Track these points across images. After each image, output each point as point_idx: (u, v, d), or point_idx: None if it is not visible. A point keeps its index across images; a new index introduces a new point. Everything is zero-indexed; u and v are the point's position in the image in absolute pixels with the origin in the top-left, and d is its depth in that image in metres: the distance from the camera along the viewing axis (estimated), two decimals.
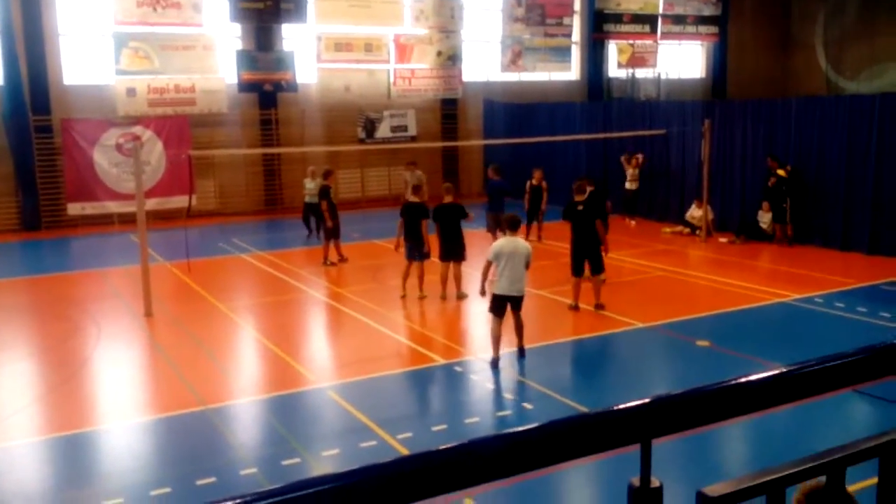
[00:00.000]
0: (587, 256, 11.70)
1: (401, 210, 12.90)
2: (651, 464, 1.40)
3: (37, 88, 20.37)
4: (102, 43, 21.14)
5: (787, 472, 1.52)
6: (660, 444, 1.47)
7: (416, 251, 12.53)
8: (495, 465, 1.31)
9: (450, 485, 1.27)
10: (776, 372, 1.53)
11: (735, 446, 7.46)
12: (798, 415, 7.39)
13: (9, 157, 20.30)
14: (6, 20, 19.80)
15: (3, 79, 19.97)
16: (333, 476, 1.23)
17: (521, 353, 9.65)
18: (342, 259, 15.58)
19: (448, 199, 12.66)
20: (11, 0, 19.85)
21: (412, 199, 13.02)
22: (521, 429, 1.32)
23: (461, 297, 12.70)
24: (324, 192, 15.35)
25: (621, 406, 1.37)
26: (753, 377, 1.48)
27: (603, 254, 11.86)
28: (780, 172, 16.35)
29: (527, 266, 9.38)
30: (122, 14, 20.81)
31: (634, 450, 1.45)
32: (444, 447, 1.30)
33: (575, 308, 11.71)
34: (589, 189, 13.44)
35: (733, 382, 1.49)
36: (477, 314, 12.76)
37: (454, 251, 12.57)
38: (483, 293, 9.94)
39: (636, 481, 1.42)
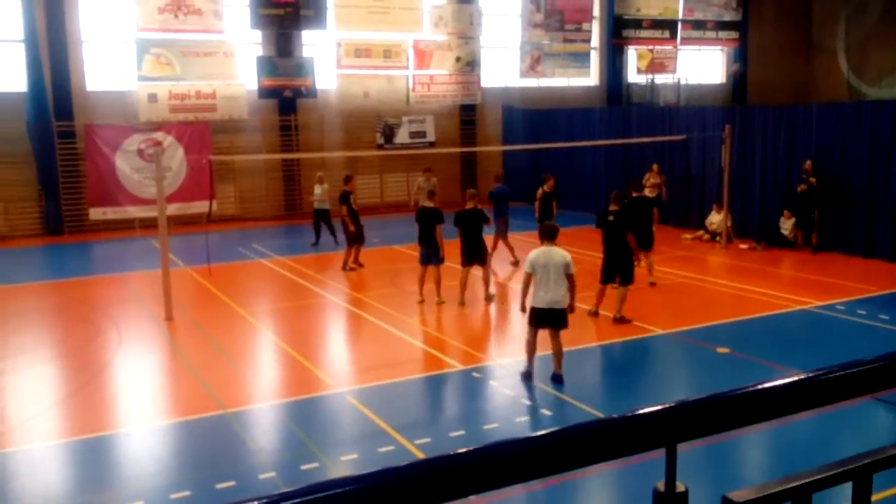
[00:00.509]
0: (616, 267, 11.45)
1: (416, 216, 12.92)
2: (676, 469, 1.39)
3: (60, 94, 20.62)
4: (125, 49, 21.37)
5: (813, 479, 1.51)
6: (683, 450, 1.46)
7: (433, 256, 12.55)
8: (519, 468, 1.31)
9: (471, 488, 1.27)
10: (800, 378, 1.52)
11: (755, 452, 7.39)
12: (818, 422, 7.32)
13: (32, 162, 20.55)
14: (30, 27, 20.06)
15: (27, 85, 20.23)
16: (353, 478, 1.23)
17: (557, 378, 8.90)
18: (359, 265, 15.61)
19: (470, 204, 12.67)
20: (36, 7, 20.12)
21: (427, 204, 13.04)
22: (544, 432, 1.31)
23: (489, 298, 12.84)
24: (343, 197, 15.39)
25: (647, 410, 1.36)
26: (778, 382, 1.48)
27: (635, 263, 11.67)
28: (812, 180, 16.06)
29: (569, 277, 8.71)
30: (144, 21, 21.03)
31: (656, 455, 1.44)
32: (465, 450, 1.30)
33: (594, 314, 11.62)
34: (636, 194, 13.43)
35: (758, 387, 1.48)
36: (494, 319, 12.75)
37: (476, 255, 12.61)
38: (524, 309, 9.04)
39: (661, 486, 1.41)
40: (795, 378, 1.50)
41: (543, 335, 8.99)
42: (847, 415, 7.49)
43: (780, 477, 1.52)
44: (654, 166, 18.74)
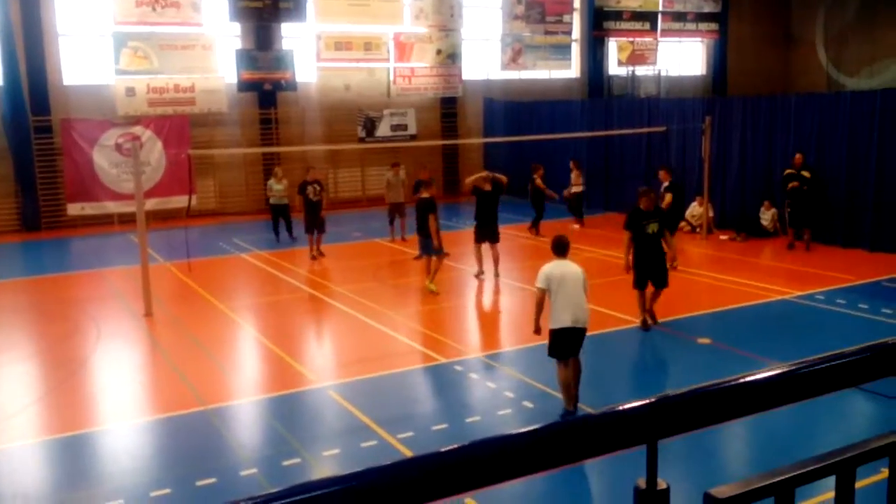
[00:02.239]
0: (652, 271, 10.65)
1: (415, 206, 13.48)
2: (657, 465, 1.37)
3: (36, 88, 20.35)
4: (102, 43, 21.11)
5: (796, 473, 1.49)
6: (663, 443, 1.44)
7: (428, 246, 13.00)
8: (500, 467, 1.28)
9: (452, 488, 1.24)
10: (784, 370, 1.50)
11: (736, 445, 7.43)
12: (799, 412, 7.36)
13: (8, 157, 20.28)
14: (5, 20, 19.77)
15: (3, 79, 19.95)
16: (337, 479, 1.20)
17: (574, 401, 8.03)
18: (320, 254, 16.11)
19: (487, 187, 13.79)
20: (11, 0, 19.81)
21: (423, 194, 13.41)
22: (525, 430, 1.29)
23: (498, 276, 13.71)
24: (301, 187, 16.18)
25: (627, 406, 1.33)
26: (761, 375, 1.45)
27: (669, 266, 10.99)
28: (805, 174, 15.54)
29: (585, 292, 7.99)
30: (121, 14, 20.78)
31: (637, 450, 1.42)
32: (446, 449, 1.27)
33: (646, 327, 10.70)
34: (667, 181, 12.94)
35: (741, 381, 1.45)
36: (476, 311, 12.74)
37: (489, 233, 13.68)
38: (538, 331, 8.20)
39: (642, 483, 1.38)
40: (779, 371, 1.48)
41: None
42: (828, 404, 7.53)
43: (762, 472, 1.50)
44: (662, 172, 16.32)
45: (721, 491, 1.40)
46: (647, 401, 1.34)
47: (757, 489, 1.44)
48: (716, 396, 1.43)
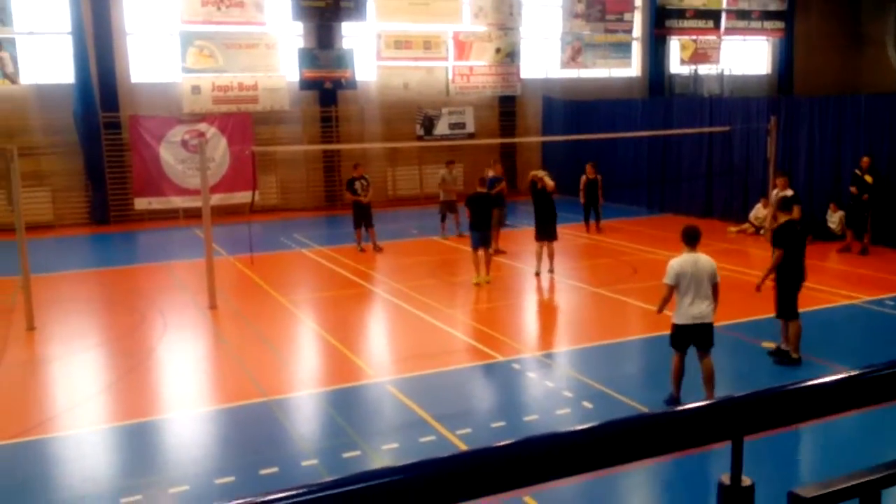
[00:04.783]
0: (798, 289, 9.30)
1: (466, 201, 13.64)
2: (742, 462, 1.37)
3: (106, 86, 20.97)
4: (169, 42, 21.64)
5: (882, 475, 1.47)
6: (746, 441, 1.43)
7: (485, 239, 13.31)
8: (581, 458, 1.29)
9: (533, 477, 1.25)
10: (873, 369, 1.48)
11: (817, 446, 7.27)
12: (866, 418, 7.17)
13: (79, 152, 20.94)
14: (77, 20, 20.41)
15: (74, 77, 20.59)
16: (395, 469, 1.22)
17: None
18: (375, 248, 16.52)
19: (540, 185, 13.82)
20: (82, 0, 20.45)
21: (479, 190, 13.77)
22: (608, 422, 1.30)
23: (552, 272, 13.86)
24: (349, 183, 16.64)
25: (714, 401, 1.34)
26: (849, 374, 1.44)
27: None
28: (868, 178, 15.10)
29: (714, 287, 7.69)
30: (187, 13, 21.28)
31: (713, 448, 1.42)
32: (527, 438, 1.28)
33: (798, 361, 9.20)
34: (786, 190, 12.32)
35: (828, 381, 1.44)
36: (534, 310, 12.71)
37: (548, 232, 13.75)
38: (661, 311, 8.04)
39: (726, 479, 1.38)
40: (869, 369, 1.46)
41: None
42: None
43: (848, 473, 1.48)
44: (779, 180, 15.28)
45: (806, 490, 1.40)
46: (735, 396, 1.34)
47: (842, 490, 1.43)
48: (802, 394, 1.42)
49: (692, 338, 7.78)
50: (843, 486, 1.43)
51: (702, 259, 7.71)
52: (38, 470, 7.11)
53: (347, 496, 1.17)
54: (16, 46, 20.06)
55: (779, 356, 9.31)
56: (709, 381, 7.86)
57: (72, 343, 10.81)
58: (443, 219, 17.82)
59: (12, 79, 20.04)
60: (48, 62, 20.79)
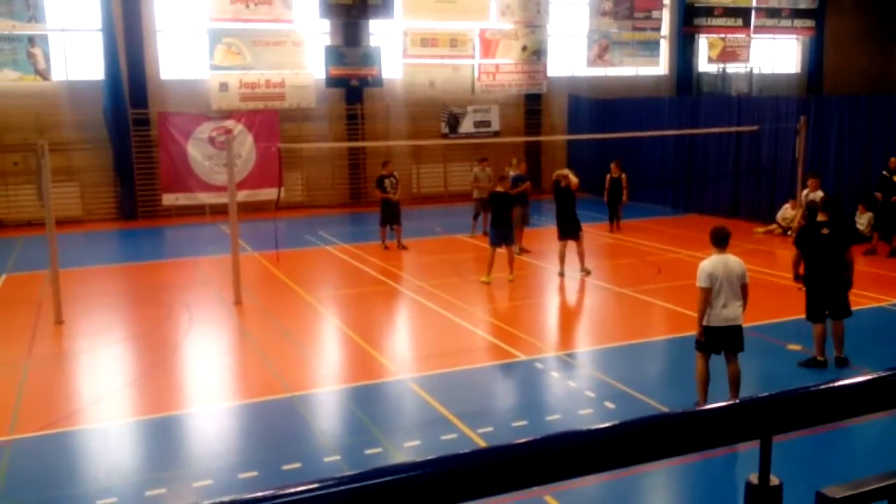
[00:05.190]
0: (830, 299, 9.02)
1: (488, 199, 13.73)
2: (771, 461, 1.34)
3: (135, 83, 21.19)
4: (197, 39, 21.82)
5: None
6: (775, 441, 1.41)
7: (507, 237, 13.31)
8: (609, 455, 1.28)
9: (563, 472, 1.24)
10: None
11: (842, 447, 7.17)
12: (894, 420, 7.06)
13: (108, 148, 21.18)
14: (108, 17, 20.64)
15: (104, 73, 20.83)
16: (415, 464, 1.21)
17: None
18: (399, 246, 16.57)
19: (563, 183, 13.75)
20: None
21: (498, 188, 13.73)
22: (635, 419, 1.28)
23: (586, 272, 13.50)
24: (378, 181, 16.67)
25: (743, 400, 1.32)
26: (882, 374, 1.41)
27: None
28: (895, 179, 14.85)
29: (744, 287, 7.63)
30: (216, 11, 21.44)
31: (739, 448, 1.39)
32: (554, 434, 1.28)
33: (823, 363, 9.11)
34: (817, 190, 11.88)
35: (858, 381, 1.42)
36: (557, 309, 12.66)
37: (570, 230, 13.58)
38: (702, 336, 7.76)
39: (754, 478, 1.36)
40: None
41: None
42: None
43: (877, 474, 1.46)
44: (811, 181, 15.25)
45: (834, 491, 1.37)
46: (764, 395, 1.32)
47: (871, 491, 1.40)
48: (831, 395, 1.40)
49: (723, 341, 7.68)
50: (872, 486, 1.40)
51: (731, 260, 7.67)
52: (65, 462, 7.20)
53: (368, 490, 1.17)
54: (48, 43, 20.34)
55: (809, 363, 9.18)
56: (735, 385, 7.76)
57: (99, 337, 10.94)
58: (476, 216, 17.70)
59: (44, 75, 20.31)
60: (79, 59, 21.05)
